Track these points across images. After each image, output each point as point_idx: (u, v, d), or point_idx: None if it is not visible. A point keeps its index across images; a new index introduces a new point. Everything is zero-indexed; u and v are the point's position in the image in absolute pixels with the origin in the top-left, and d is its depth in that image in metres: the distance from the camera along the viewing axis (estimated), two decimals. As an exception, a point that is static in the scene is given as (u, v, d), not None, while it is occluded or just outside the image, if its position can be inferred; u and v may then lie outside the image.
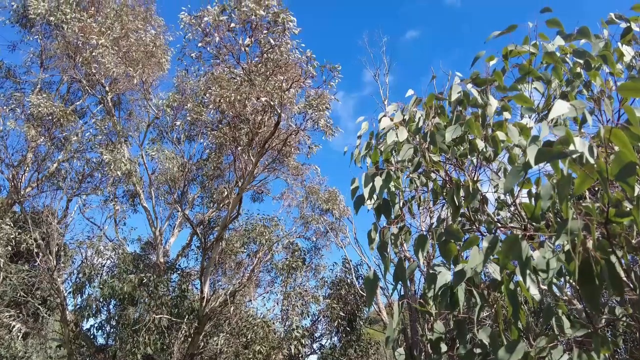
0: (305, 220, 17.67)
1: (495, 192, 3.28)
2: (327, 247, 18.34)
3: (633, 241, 2.26)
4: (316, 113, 10.82)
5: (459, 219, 2.92)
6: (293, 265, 15.36)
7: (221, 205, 16.75)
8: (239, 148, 12.87)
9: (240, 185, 13.47)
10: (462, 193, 2.20)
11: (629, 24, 2.82)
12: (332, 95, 10.42)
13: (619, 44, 2.84)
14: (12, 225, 13.82)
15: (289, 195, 17.81)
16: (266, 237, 14.90)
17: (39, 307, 15.60)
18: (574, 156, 1.69)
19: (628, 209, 1.85)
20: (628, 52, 2.80)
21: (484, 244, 1.72)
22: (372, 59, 17.63)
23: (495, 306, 2.25)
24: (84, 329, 14.86)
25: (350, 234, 17.56)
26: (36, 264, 14.75)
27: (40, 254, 14.12)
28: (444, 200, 3.33)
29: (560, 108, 1.63)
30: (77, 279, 14.47)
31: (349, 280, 17.43)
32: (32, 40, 16.59)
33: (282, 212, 17.69)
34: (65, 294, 14.36)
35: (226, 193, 16.05)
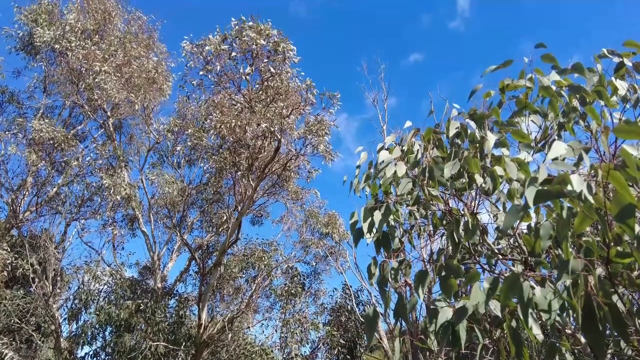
0: (304, 244, 17.54)
1: (495, 221, 3.28)
2: (326, 272, 18.15)
3: (635, 272, 2.24)
4: (316, 138, 10.91)
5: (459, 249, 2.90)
6: (292, 291, 15.16)
7: (220, 229, 16.67)
8: (239, 173, 12.91)
9: (239, 209, 13.43)
10: (462, 228, 2.20)
11: (621, 59, 2.88)
12: (332, 122, 10.53)
13: (613, 78, 2.89)
14: (9, 249, 13.71)
15: (289, 218, 17.75)
16: (265, 262, 14.76)
17: (33, 333, 15.28)
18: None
19: (629, 244, 1.84)
20: (622, 86, 2.85)
21: (485, 285, 1.71)
22: (370, 85, 17.90)
23: (497, 344, 2.21)
24: (79, 357, 14.52)
25: (350, 259, 17.41)
26: (31, 289, 14.55)
27: (37, 279, 13.95)
28: (443, 229, 3.32)
29: (558, 149, 1.65)
30: (73, 305, 14.24)
31: (349, 307, 17.16)
32: (37, 67, 16.88)
33: (282, 236, 17.59)
34: (60, 321, 14.11)
35: (225, 217, 15.99)
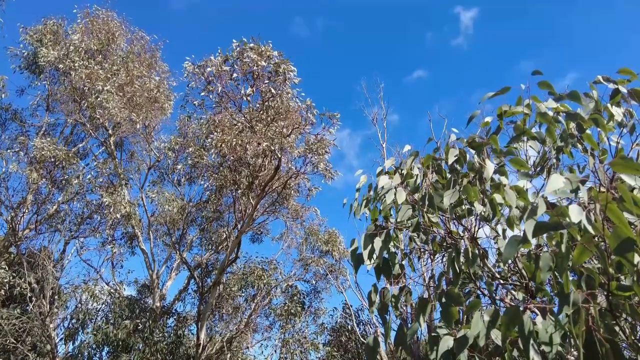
0: (304, 262, 17.42)
1: (495, 242, 3.28)
2: (327, 290, 17.97)
3: (636, 299, 2.24)
4: (316, 157, 10.96)
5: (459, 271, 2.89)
6: (292, 311, 14.99)
7: (220, 247, 16.59)
8: (239, 191, 12.92)
9: (239, 227, 13.39)
10: (462, 257, 2.20)
11: (616, 86, 2.92)
12: (332, 141, 10.61)
13: (609, 105, 2.93)
14: (6, 268, 13.62)
15: (289, 236, 17.68)
16: (264, 280, 14.64)
17: (28, 353, 15.05)
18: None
19: (630, 276, 1.84)
20: (617, 112, 2.89)
21: (486, 317, 1.70)
22: (370, 103, 18.07)
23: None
24: (74, 378, 14.27)
25: (351, 277, 17.25)
26: (28, 308, 14.40)
27: (34, 298, 13.82)
28: (444, 252, 3.31)
29: (556, 183, 1.67)
30: (70, 325, 14.08)
31: (349, 327, 16.93)
32: (40, 85, 17.08)
33: (282, 254, 17.49)
34: (57, 341, 13.92)
35: (225, 235, 15.93)
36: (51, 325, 13.73)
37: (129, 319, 13.74)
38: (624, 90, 2.97)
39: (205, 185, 15.86)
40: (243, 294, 15.65)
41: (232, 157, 11.44)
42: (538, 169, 3.58)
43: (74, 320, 14.03)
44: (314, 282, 17.65)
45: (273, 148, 10.26)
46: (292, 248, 17.64)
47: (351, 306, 17.23)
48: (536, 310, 2.76)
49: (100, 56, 15.21)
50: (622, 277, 2.14)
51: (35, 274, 14.14)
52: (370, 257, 2.50)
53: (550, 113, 2.93)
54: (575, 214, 1.67)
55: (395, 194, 2.50)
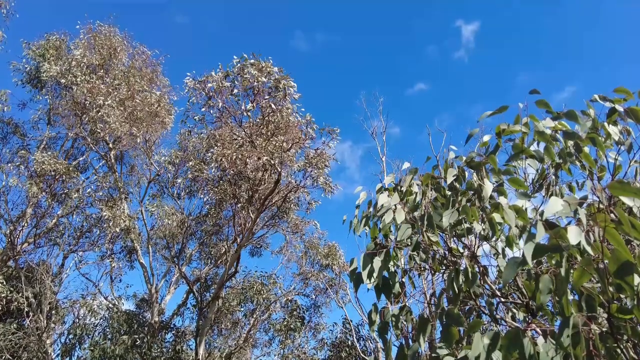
0: (304, 276, 17.30)
1: (495, 259, 3.27)
2: (326, 305, 17.81)
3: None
4: (316, 171, 10.99)
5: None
6: (291, 326, 14.84)
7: (219, 261, 16.51)
8: (239, 204, 12.91)
9: (238, 241, 13.35)
10: (462, 277, 2.20)
11: (613, 105, 2.96)
12: (332, 155, 10.66)
13: (606, 123, 2.96)
14: (4, 282, 13.52)
15: (288, 249, 17.59)
16: (264, 295, 14.53)
17: (25, 370, 14.84)
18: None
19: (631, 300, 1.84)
20: (614, 131, 2.92)
21: (485, 340, 1.70)
22: (369, 117, 18.21)
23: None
24: (70, 395, 14.07)
25: (351, 292, 17.12)
26: (25, 323, 14.25)
27: (31, 313, 13.70)
28: (444, 269, 3.31)
29: (555, 206, 1.68)
30: (67, 340, 13.92)
31: (349, 342, 16.74)
32: (42, 99, 17.21)
33: (281, 268, 17.38)
34: (54, 357, 13.74)
35: (224, 249, 15.87)
36: (48, 341, 13.57)
37: (126, 334, 13.59)
38: (620, 109, 3.00)
39: (205, 199, 15.86)
40: (242, 309, 15.52)
41: (232, 171, 11.48)
42: (537, 186, 3.60)
43: (71, 336, 13.89)
44: (313, 296, 17.52)
45: (273, 162, 10.30)
46: (292, 262, 17.55)
47: (351, 321, 17.06)
48: (538, 329, 2.75)
49: (102, 71, 15.36)
50: (623, 297, 2.13)
51: (33, 288, 14.03)
52: (369, 277, 2.50)
53: (548, 131, 2.96)
54: (574, 236, 1.68)
55: (394, 213, 2.51)
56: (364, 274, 2.37)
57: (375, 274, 2.43)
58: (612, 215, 2.04)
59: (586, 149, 2.94)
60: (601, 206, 2.52)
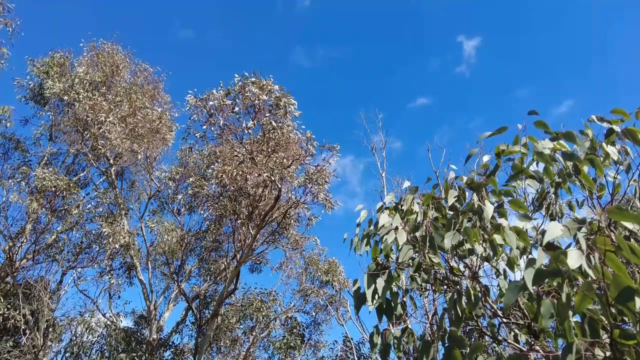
0: (304, 293, 17.15)
1: (496, 278, 3.27)
2: (327, 322, 17.61)
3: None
4: (316, 187, 11.02)
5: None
6: (291, 344, 14.65)
7: (218, 277, 16.39)
8: (239, 220, 12.90)
9: (238, 257, 13.29)
10: (464, 299, 2.20)
11: (610, 126, 3.00)
12: (332, 172, 10.71)
13: (604, 144, 3.00)
14: (1, 299, 13.40)
15: (288, 266, 17.47)
16: (263, 312, 14.39)
17: (20, 389, 14.58)
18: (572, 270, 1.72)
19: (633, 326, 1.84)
20: (613, 152, 2.95)
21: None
22: (369, 133, 18.35)
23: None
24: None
25: (352, 308, 16.96)
26: (21, 340, 14.07)
27: (28, 330, 13.54)
28: (446, 289, 3.30)
29: (555, 231, 1.70)
30: (64, 359, 13.72)
31: (350, 360, 16.52)
32: (45, 116, 17.35)
33: (281, 284, 17.24)
34: (50, 376, 13.54)
35: (224, 266, 15.78)
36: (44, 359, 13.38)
37: (124, 352, 13.42)
38: (618, 129, 3.04)
39: (205, 215, 15.85)
40: (241, 326, 15.35)
41: (232, 187, 11.50)
42: (537, 205, 3.61)
43: (67, 354, 13.70)
44: (313, 313, 17.34)
45: (273, 178, 10.34)
46: (292, 278, 17.41)
47: (352, 339, 16.86)
48: (540, 351, 2.73)
49: (104, 87, 15.52)
50: (626, 320, 2.13)
51: (31, 305, 13.90)
52: (373, 298, 2.49)
53: (547, 152, 2.99)
54: (575, 260, 1.69)
55: (396, 234, 2.52)
56: (368, 295, 2.37)
57: (378, 295, 2.43)
58: (612, 235, 2.06)
59: (585, 169, 2.97)
60: (601, 225, 2.54)
